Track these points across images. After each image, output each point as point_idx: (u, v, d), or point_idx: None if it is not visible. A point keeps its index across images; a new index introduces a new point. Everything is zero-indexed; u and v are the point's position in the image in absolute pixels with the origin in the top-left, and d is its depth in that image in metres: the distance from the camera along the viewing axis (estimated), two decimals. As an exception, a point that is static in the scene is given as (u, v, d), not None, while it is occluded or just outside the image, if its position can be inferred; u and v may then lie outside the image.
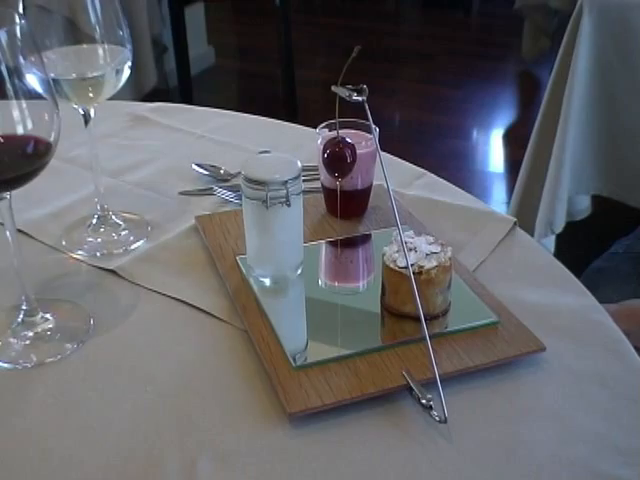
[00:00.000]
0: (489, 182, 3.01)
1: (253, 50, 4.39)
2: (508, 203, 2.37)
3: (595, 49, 1.74)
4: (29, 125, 0.68)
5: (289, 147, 1.14)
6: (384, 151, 0.81)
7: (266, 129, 1.25)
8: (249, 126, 1.26)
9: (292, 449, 0.66)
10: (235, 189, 1.02)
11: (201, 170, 1.08)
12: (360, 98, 0.75)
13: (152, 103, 1.33)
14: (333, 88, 0.78)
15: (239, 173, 1.06)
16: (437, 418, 0.66)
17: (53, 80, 0.71)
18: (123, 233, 0.95)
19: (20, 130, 0.67)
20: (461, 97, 3.70)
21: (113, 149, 1.15)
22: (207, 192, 1.04)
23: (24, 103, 0.67)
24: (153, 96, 2.98)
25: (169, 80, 3.62)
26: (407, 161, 1.12)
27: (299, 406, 0.67)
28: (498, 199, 2.85)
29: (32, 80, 0.68)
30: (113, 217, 0.96)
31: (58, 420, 0.69)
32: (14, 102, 0.67)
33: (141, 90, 3.09)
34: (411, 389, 0.69)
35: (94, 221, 0.95)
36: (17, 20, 0.67)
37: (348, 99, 0.76)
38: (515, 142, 3.17)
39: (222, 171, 1.08)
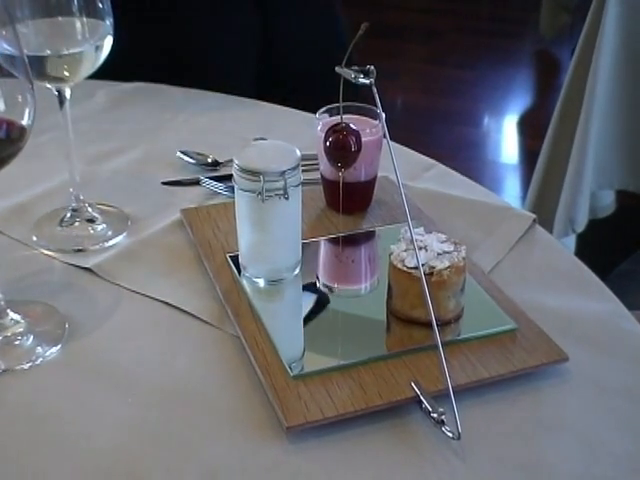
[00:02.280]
0: (502, 174, 3.04)
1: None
2: (523, 197, 2.39)
3: (623, 28, 1.75)
4: (1, 107, 0.69)
5: (283, 133, 1.16)
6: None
7: (257, 113, 1.26)
8: (238, 109, 1.27)
9: (290, 466, 0.67)
10: (225, 179, 1.03)
11: (186, 158, 1.09)
12: (367, 80, 0.76)
13: (130, 83, 1.34)
14: (337, 69, 0.79)
15: (229, 161, 1.07)
16: (450, 434, 0.68)
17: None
18: (100, 227, 0.96)
19: (-9, 112, 0.68)
20: (472, 79, 3.72)
21: (88, 134, 1.16)
22: (193, 182, 1.05)
23: (-5, 82, 0.68)
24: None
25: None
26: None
27: (298, 419, 0.69)
28: (512, 193, 2.87)
29: (2, 57, 0.69)
30: (89, 209, 0.97)
31: (30, 434, 0.70)
32: (-17, 81, 0.68)
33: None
34: (421, 402, 0.70)
35: (68, 214, 0.96)
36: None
37: (354, 81, 0.77)
38: (532, 130, 3.19)
39: (210, 159, 1.09)
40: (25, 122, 0.70)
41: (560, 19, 3.45)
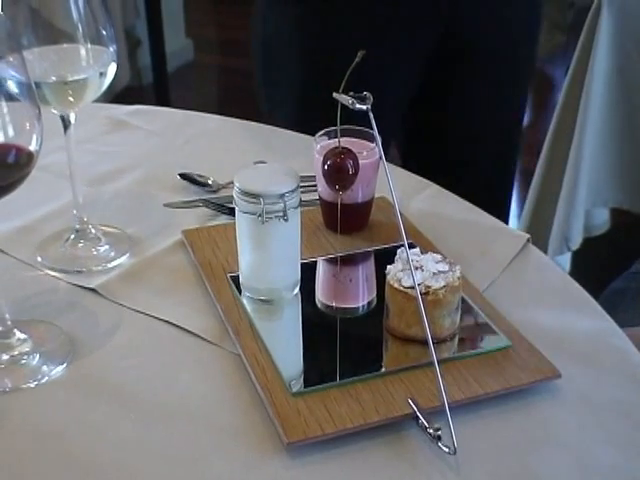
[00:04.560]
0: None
1: (236, 43, 4.42)
2: (519, 216, 2.41)
3: (616, 47, 1.77)
4: (10, 133, 0.71)
5: (282, 155, 1.18)
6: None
7: (257, 135, 1.28)
8: (238, 132, 1.29)
9: (290, 481, 0.69)
10: (225, 201, 1.05)
11: (187, 180, 1.11)
12: (364, 106, 0.78)
13: (131, 106, 1.36)
14: (335, 95, 0.82)
15: (229, 183, 1.09)
16: (445, 449, 0.69)
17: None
18: (103, 248, 0.98)
19: (0, 138, 0.71)
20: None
21: (90, 156, 1.18)
22: (194, 204, 1.07)
23: (5, 108, 0.70)
24: (125, 95, 3.01)
25: (143, 77, 3.65)
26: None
27: (297, 435, 0.70)
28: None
29: (9, 83, 0.71)
30: (92, 230, 0.98)
31: (36, 451, 0.72)
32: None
33: (112, 89, 3.12)
34: (417, 418, 0.72)
35: (72, 235, 0.98)
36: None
37: (351, 107, 0.79)
38: (526, 149, 3.20)
39: (210, 181, 1.11)
40: (33, 147, 0.72)
41: (554, 38, 3.47)
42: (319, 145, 0.96)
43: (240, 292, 0.88)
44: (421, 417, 0.72)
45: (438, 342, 0.80)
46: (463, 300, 0.84)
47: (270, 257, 0.85)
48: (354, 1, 1.34)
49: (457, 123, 1.50)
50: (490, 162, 1.56)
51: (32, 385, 0.79)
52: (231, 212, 0.99)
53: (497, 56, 1.44)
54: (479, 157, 1.54)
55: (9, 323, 0.81)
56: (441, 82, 1.46)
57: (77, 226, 0.98)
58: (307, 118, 1.27)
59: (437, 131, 1.52)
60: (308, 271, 0.92)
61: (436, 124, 1.51)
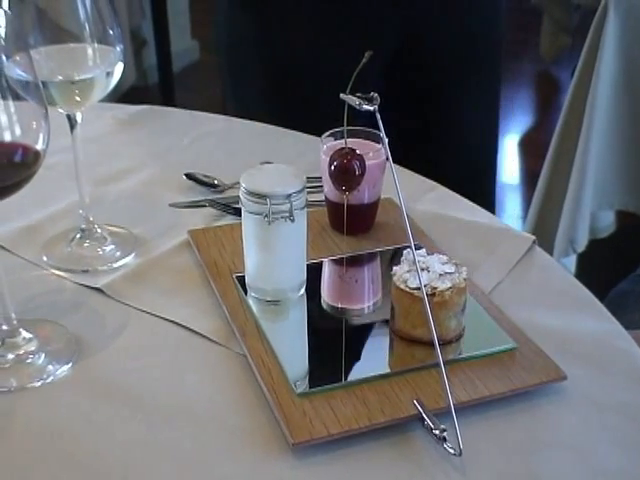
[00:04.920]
0: (503, 195, 3.05)
1: (241, 44, 4.42)
2: (524, 218, 2.41)
3: (622, 50, 1.78)
4: (17, 132, 0.71)
5: (288, 156, 1.18)
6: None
7: (262, 136, 1.28)
8: (244, 132, 1.29)
9: (295, 482, 0.69)
10: (231, 201, 1.05)
11: (193, 180, 1.11)
12: (371, 107, 0.78)
13: (137, 106, 1.36)
14: (342, 96, 0.82)
15: (235, 184, 1.09)
16: (451, 450, 0.69)
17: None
18: (109, 248, 0.98)
19: (7, 137, 0.71)
20: (472, 99, 3.73)
21: (96, 156, 1.18)
22: (200, 204, 1.07)
23: (12, 107, 0.71)
24: (131, 95, 3.01)
25: (148, 77, 3.65)
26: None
27: (303, 436, 0.71)
28: (513, 213, 2.88)
29: (16, 82, 0.71)
30: (98, 230, 0.99)
31: (41, 450, 0.72)
32: (1, 106, 0.70)
33: (118, 88, 3.12)
34: (423, 419, 0.72)
35: (78, 235, 0.98)
36: (2, 16, 0.70)
37: (358, 108, 0.80)
38: (532, 150, 3.21)
39: (216, 181, 1.11)
40: (39, 147, 0.73)
41: (560, 40, 3.47)
42: (325, 146, 0.96)
43: (246, 293, 0.88)
44: (427, 418, 0.72)
45: (444, 343, 0.80)
46: (469, 301, 0.84)
47: (276, 258, 0.85)
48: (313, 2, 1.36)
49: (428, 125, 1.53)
50: (465, 168, 1.57)
51: (37, 384, 0.79)
52: (237, 212, 0.99)
53: (458, 57, 1.47)
54: (452, 159, 1.55)
55: (15, 322, 0.81)
56: (403, 89, 1.48)
57: (83, 226, 0.98)
58: (275, 118, 1.28)
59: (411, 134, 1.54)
60: (314, 272, 0.92)
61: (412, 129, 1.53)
